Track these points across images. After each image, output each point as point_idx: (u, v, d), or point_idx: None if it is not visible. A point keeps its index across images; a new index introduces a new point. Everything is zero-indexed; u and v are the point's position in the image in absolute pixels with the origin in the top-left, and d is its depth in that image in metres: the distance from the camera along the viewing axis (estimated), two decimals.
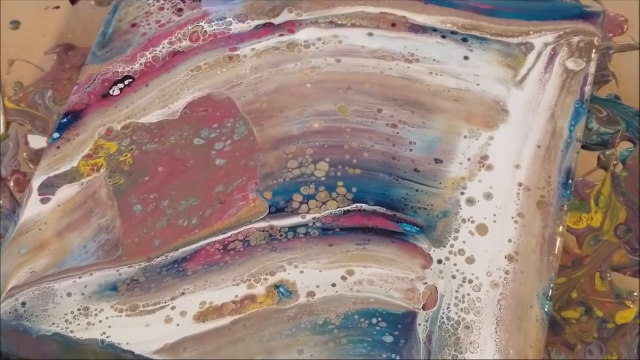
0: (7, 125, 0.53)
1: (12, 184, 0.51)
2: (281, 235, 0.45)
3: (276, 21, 0.51)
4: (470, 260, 0.45)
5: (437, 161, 0.47)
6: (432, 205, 0.46)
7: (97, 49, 0.51)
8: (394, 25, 0.51)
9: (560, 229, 0.46)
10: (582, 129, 0.49)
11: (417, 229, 0.46)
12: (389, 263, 0.45)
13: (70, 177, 0.47)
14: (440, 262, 0.45)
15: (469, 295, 0.44)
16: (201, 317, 0.43)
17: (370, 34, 0.51)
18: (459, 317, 0.43)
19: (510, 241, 0.45)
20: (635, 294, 0.48)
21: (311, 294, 0.44)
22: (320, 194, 0.46)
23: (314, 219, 0.46)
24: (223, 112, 0.49)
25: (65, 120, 0.48)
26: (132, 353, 0.42)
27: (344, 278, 0.44)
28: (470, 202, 0.46)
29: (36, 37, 0.56)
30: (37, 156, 0.51)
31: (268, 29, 0.51)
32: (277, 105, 0.49)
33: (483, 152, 0.48)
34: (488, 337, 0.43)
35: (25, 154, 0.52)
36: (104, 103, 0.49)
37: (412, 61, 0.50)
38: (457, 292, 0.44)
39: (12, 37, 0.56)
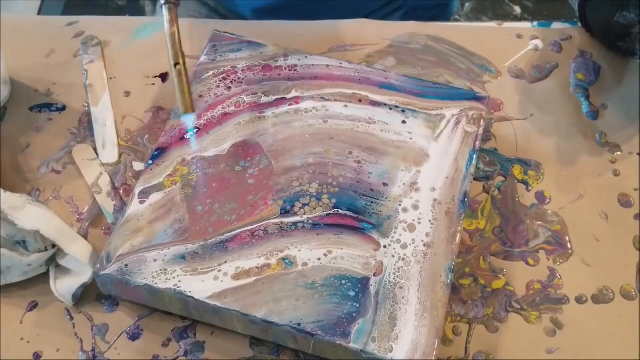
0: (120, 155, 0.53)
1: (121, 191, 0.51)
2: (288, 228, 0.45)
3: (288, 96, 0.51)
4: (404, 246, 0.45)
5: (385, 184, 0.47)
6: (381, 211, 0.46)
7: (177, 110, 0.51)
8: (360, 100, 0.51)
9: (459, 228, 0.46)
10: (474, 167, 0.49)
11: (372, 226, 0.45)
12: (353, 246, 0.44)
13: (158, 188, 0.47)
14: (385, 247, 0.44)
15: (402, 267, 0.44)
16: (236, 276, 0.43)
17: (346, 106, 0.51)
18: (396, 281, 0.43)
19: (427, 235, 0.45)
20: (504, 270, 0.48)
21: (305, 264, 0.43)
22: (312, 203, 0.46)
23: (308, 218, 0.45)
24: (254, 151, 0.49)
25: (156, 153, 0.48)
26: (193, 297, 0.42)
27: (325, 255, 0.44)
28: (404, 210, 0.46)
29: (140, 102, 0.56)
30: (138, 175, 0.51)
31: (283, 100, 0.51)
32: (287, 147, 0.49)
33: (413, 179, 0.47)
34: (413, 294, 0.43)
35: (130, 173, 0.52)
36: (180, 143, 0.49)
37: (371, 123, 0.50)
38: (395, 265, 0.44)
39: (125, 101, 0.56)
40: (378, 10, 0.74)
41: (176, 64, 0.44)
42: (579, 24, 0.60)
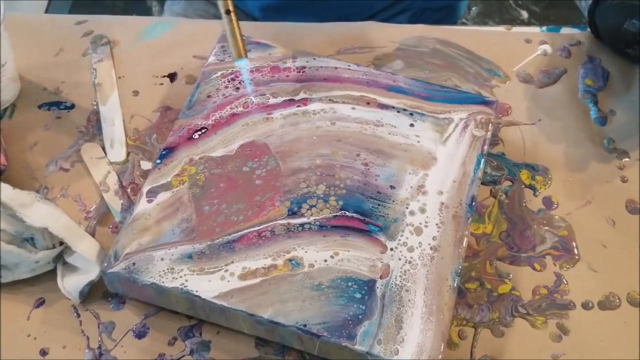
0: (128, 154, 0.53)
1: (129, 190, 0.51)
2: (294, 229, 0.45)
3: (296, 98, 0.52)
4: (410, 249, 0.45)
5: (392, 187, 0.47)
6: (387, 214, 0.46)
7: (185, 109, 0.51)
8: (368, 103, 0.52)
9: (466, 232, 0.46)
10: (481, 171, 0.49)
11: (378, 228, 0.46)
12: (360, 249, 0.45)
13: (166, 187, 0.47)
14: (391, 249, 0.45)
15: (408, 270, 0.44)
16: (242, 276, 0.43)
17: (354, 108, 0.51)
18: (402, 284, 0.43)
19: (434, 238, 0.45)
20: (510, 275, 0.48)
21: (311, 265, 0.44)
22: (319, 204, 0.46)
23: (315, 219, 0.46)
24: (261, 152, 0.49)
25: (164, 152, 0.49)
26: (199, 297, 0.42)
27: (332, 256, 0.44)
28: (411, 213, 0.46)
29: (148, 101, 0.56)
30: (145, 174, 0.52)
31: (291, 102, 0.51)
32: (295, 149, 0.49)
33: (420, 182, 0.48)
34: (419, 297, 0.43)
35: (138, 172, 0.52)
36: (188, 143, 0.49)
37: (378, 126, 0.50)
38: (401, 268, 0.44)
39: (133, 100, 0.56)
40: (384, 10, 0.74)
41: (227, 12, 0.47)
42: (588, 30, 0.60)
